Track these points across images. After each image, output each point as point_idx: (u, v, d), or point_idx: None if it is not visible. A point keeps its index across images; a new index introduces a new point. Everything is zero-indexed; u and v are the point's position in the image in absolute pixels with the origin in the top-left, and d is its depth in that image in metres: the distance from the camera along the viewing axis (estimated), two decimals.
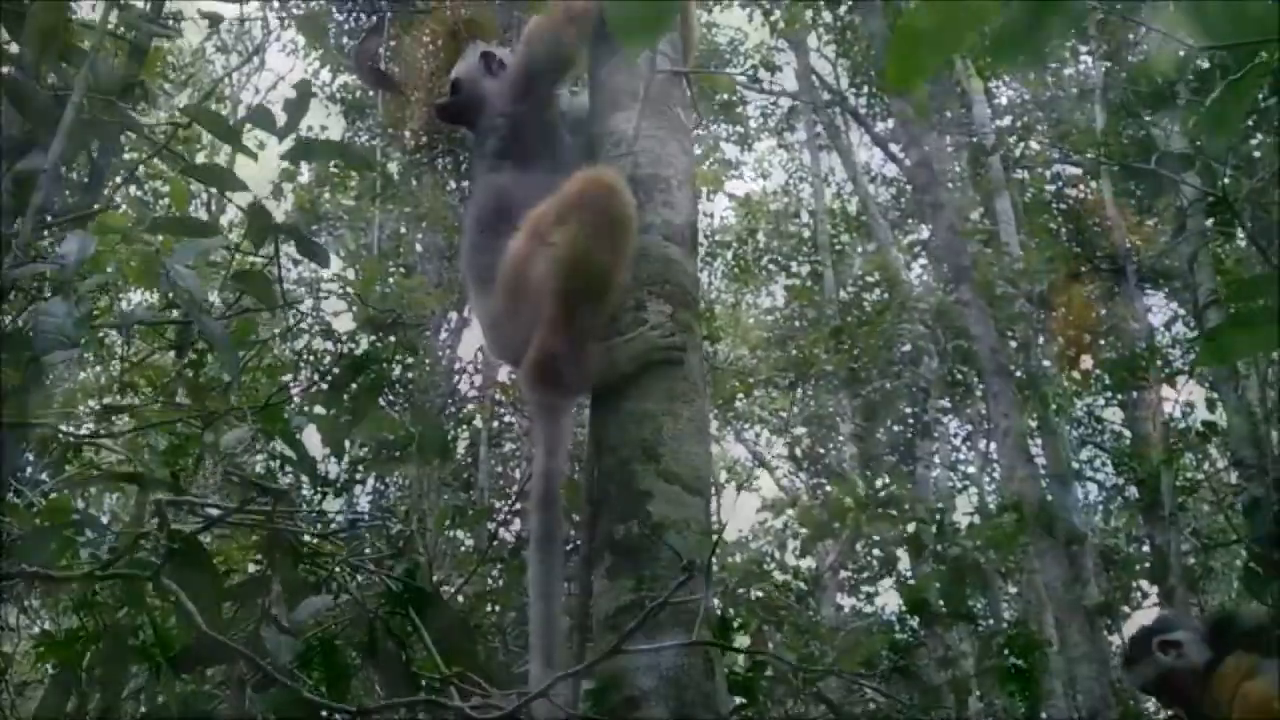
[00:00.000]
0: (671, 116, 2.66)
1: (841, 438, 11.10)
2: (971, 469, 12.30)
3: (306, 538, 2.34)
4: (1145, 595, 8.37)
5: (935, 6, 1.15)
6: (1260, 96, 4.65)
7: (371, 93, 11.67)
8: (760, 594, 6.29)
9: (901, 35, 1.22)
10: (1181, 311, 10.45)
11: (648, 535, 2.20)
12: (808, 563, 9.84)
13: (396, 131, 10.82)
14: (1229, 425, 5.58)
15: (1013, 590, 11.39)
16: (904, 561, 8.33)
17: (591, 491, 2.34)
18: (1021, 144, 11.21)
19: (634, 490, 2.26)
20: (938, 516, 5.99)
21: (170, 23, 2.13)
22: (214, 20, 2.45)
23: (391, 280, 8.31)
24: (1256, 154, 5.25)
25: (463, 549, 9.11)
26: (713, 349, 10.71)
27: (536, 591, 2.45)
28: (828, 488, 10.36)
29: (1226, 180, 4.19)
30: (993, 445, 10.88)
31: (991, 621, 10.12)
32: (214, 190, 12.27)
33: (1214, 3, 1.64)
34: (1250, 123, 5.02)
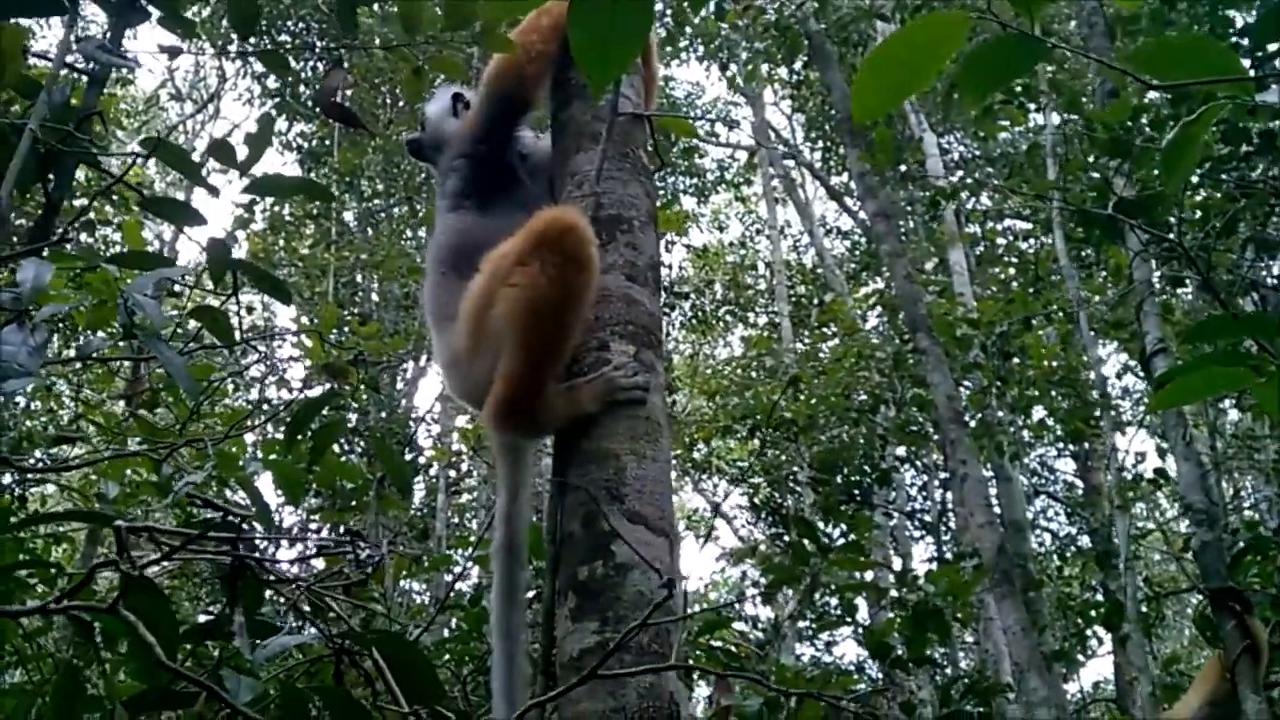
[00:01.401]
0: (634, 158, 2.66)
1: (799, 488, 11.11)
2: (928, 517, 12.35)
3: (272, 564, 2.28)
4: (1101, 642, 8.40)
5: (905, 40, 1.16)
6: (1216, 145, 4.74)
7: (328, 140, 11.69)
8: (720, 643, 6.24)
9: (869, 69, 1.22)
10: (1131, 362, 10.60)
11: (612, 576, 2.18)
12: (767, 612, 9.83)
13: (353, 179, 10.82)
14: (1179, 473, 5.64)
15: (969, 639, 11.41)
16: (862, 610, 8.34)
17: (555, 532, 2.32)
18: (973, 199, 11.35)
19: (597, 531, 2.23)
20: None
21: (129, 54, 2.10)
22: (173, 53, 2.42)
23: (347, 328, 8.28)
24: (1207, 205, 5.35)
25: (418, 599, 9.03)
26: (671, 399, 10.72)
27: (499, 634, 2.42)
28: (786, 537, 10.35)
29: (1180, 227, 4.26)
30: (949, 494, 10.96)
31: (949, 669, 10.14)
32: (164, 238, 12.22)
33: (1167, 45, 1.67)
34: (1200, 173, 5.11)
